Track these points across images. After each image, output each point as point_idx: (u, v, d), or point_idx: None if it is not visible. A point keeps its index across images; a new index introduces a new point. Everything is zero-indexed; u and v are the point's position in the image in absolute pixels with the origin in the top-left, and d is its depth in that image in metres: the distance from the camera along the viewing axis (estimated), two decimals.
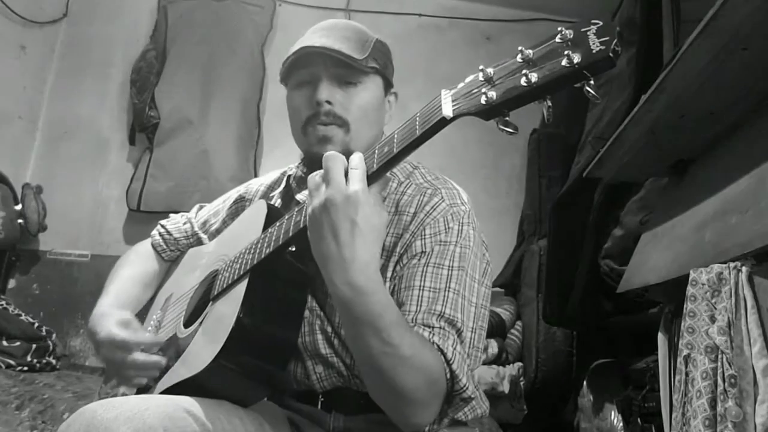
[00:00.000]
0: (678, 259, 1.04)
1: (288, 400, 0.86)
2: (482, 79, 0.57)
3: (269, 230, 0.78)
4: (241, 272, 0.78)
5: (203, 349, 0.73)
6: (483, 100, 0.56)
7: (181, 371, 0.75)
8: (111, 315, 0.89)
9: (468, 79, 0.59)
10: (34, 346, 2.05)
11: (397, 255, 0.82)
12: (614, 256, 1.45)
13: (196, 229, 1.09)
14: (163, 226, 1.11)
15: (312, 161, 0.93)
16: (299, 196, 0.96)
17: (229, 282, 0.80)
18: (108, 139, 2.76)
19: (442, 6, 2.87)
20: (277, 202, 0.99)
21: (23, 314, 2.16)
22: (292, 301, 0.80)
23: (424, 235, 0.82)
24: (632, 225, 1.39)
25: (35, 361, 2.02)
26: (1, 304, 2.14)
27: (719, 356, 0.82)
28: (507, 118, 0.56)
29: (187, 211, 1.16)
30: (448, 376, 0.72)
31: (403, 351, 0.66)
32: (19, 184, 2.54)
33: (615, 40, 0.49)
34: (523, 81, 0.53)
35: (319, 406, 0.84)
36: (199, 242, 1.08)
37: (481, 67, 0.57)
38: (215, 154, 2.57)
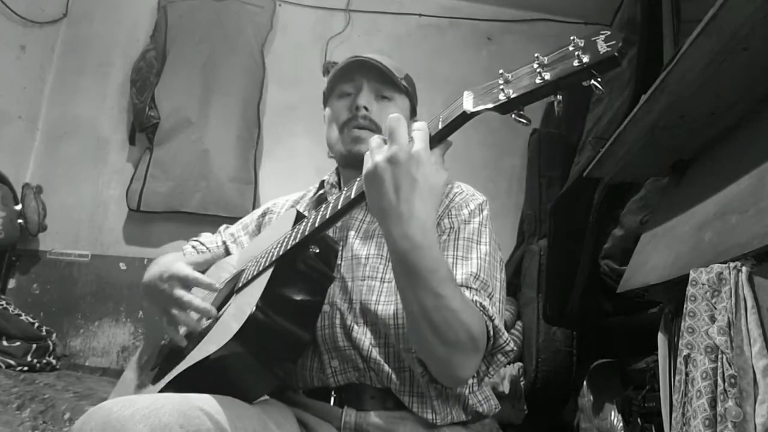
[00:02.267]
0: (678, 259, 1.04)
1: (299, 397, 0.88)
2: (501, 81, 0.63)
3: (296, 226, 0.82)
4: (266, 264, 0.80)
5: (219, 335, 0.74)
6: (501, 96, 0.62)
7: (195, 356, 0.76)
8: (180, 260, 0.93)
9: (489, 82, 0.65)
10: (34, 346, 2.05)
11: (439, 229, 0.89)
12: (614, 256, 1.45)
13: (224, 238, 1.15)
14: (195, 239, 1.18)
15: (347, 161, 1.02)
16: (331, 199, 1.00)
17: (254, 274, 0.83)
18: (108, 139, 2.77)
19: (443, 6, 2.88)
20: (308, 206, 1.08)
21: (23, 314, 2.17)
22: (313, 295, 0.82)
23: (450, 215, 0.92)
24: (632, 225, 1.39)
25: (35, 361, 2.03)
26: (1, 304, 2.14)
27: (719, 356, 0.81)
28: (522, 111, 0.63)
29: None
30: (491, 332, 0.79)
31: (454, 304, 0.71)
32: (19, 184, 2.55)
33: (620, 43, 0.56)
34: (537, 79, 0.60)
35: (332, 402, 0.86)
36: (227, 252, 1.13)
37: (501, 71, 0.64)
38: (215, 154, 2.57)
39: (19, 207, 2.47)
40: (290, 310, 0.78)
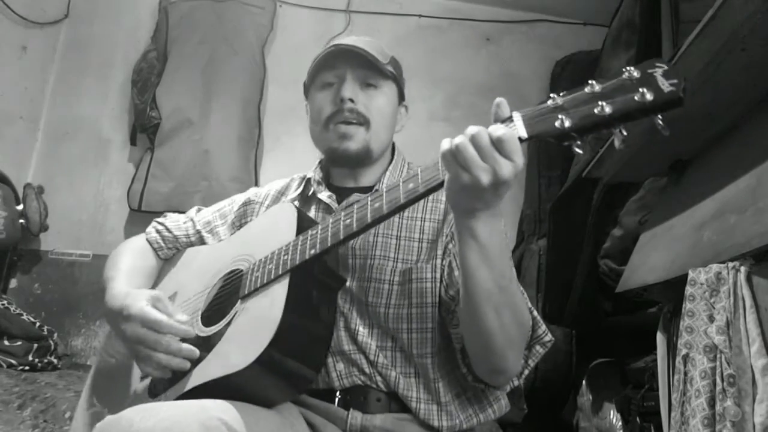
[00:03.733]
0: (677, 259, 1.05)
1: (303, 397, 0.86)
2: (552, 105, 0.61)
3: (309, 232, 0.79)
4: (280, 272, 0.78)
5: (241, 347, 0.72)
6: (557, 124, 0.60)
7: (214, 369, 0.73)
8: (140, 294, 0.84)
9: (537, 105, 0.63)
10: (35, 345, 2.05)
11: (445, 235, 0.89)
12: (613, 256, 1.45)
13: (199, 228, 1.08)
14: (161, 224, 1.09)
15: (335, 160, 0.97)
16: (321, 197, 0.98)
17: (264, 281, 0.79)
18: (109, 140, 2.77)
19: (442, 7, 2.88)
20: (294, 204, 1.00)
21: (25, 314, 2.17)
22: (328, 301, 0.81)
23: None
24: (631, 225, 1.40)
25: (37, 360, 2.03)
26: (3, 304, 2.14)
27: (718, 356, 0.82)
28: (579, 142, 0.61)
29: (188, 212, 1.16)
30: (530, 322, 0.80)
31: (515, 284, 0.75)
32: (21, 185, 2.55)
33: (684, 84, 0.54)
34: (597, 110, 0.58)
35: (336, 404, 0.84)
36: (201, 241, 1.07)
37: (552, 95, 0.61)
38: (216, 154, 2.57)
39: (20, 207, 2.47)
40: (312, 320, 0.77)
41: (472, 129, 0.63)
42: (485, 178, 0.63)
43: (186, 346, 0.78)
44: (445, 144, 0.64)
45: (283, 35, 2.84)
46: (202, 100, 2.63)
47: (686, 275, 0.93)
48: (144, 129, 2.62)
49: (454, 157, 0.64)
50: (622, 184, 1.49)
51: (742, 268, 0.83)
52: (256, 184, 2.61)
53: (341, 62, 0.94)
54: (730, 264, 0.85)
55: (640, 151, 1.21)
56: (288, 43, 2.84)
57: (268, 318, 0.73)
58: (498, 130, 0.62)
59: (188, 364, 0.78)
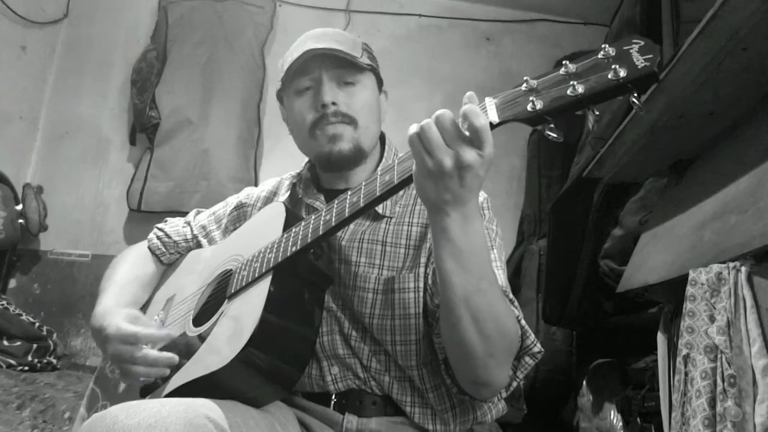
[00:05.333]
0: (677, 259, 1.04)
1: (299, 399, 0.86)
2: (525, 89, 0.59)
3: (293, 229, 0.79)
4: (263, 270, 0.78)
5: (223, 346, 0.73)
6: (529, 107, 0.58)
7: (197, 368, 0.74)
8: (117, 312, 0.88)
9: (511, 89, 0.61)
10: (34, 345, 2.05)
11: (430, 241, 0.85)
12: (614, 256, 1.45)
13: (196, 232, 1.09)
14: (161, 230, 1.11)
15: (328, 164, 0.94)
16: (309, 201, 0.97)
17: (249, 280, 0.79)
18: (108, 139, 2.77)
19: (442, 6, 2.88)
20: (284, 202, 1.00)
21: (24, 314, 2.17)
22: (313, 301, 0.80)
23: None
24: (632, 225, 1.40)
25: (36, 360, 2.03)
26: (2, 304, 2.14)
27: (718, 356, 0.82)
28: (552, 125, 0.58)
29: (187, 212, 1.17)
30: (518, 332, 0.76)
31: (497, 290, 0.71)
32: (20, 184, 2.55)
33: (659, 58, 0.52)
34: (569, 91, 0.56)
35: (332, 407, 0.84)
36: (199, 245, 1.08)
37: (525, 78, 0.60)
38: (215, 154, 2.57)
39: (19, 207, 2.47)
40: (294, 318, 0.76)
41: (438, 111, 0.62)
42: (448, 162, 0.61)
43: (163, 354, 0.79)
44: (412, 128, 0.64)
45: (283, 35, 2.83)
46: (202, 99, 2.63)
47: (687, 275, 0.92)
48: (143, 129, 2.62)
49: (419, 140, 0.63)
50: (622, 184, 1.49)
51: (743, 269, 0.83)
52: (256, 184, 2.60)
53: (314, 65, 0.91)
54: (731, 264, 0.85)
55: (641, 151, 1.21)
56: (288, 43, 2.80)
57: (249, 316, 0.73)
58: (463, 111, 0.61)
59: (167, 372, 0.79)
